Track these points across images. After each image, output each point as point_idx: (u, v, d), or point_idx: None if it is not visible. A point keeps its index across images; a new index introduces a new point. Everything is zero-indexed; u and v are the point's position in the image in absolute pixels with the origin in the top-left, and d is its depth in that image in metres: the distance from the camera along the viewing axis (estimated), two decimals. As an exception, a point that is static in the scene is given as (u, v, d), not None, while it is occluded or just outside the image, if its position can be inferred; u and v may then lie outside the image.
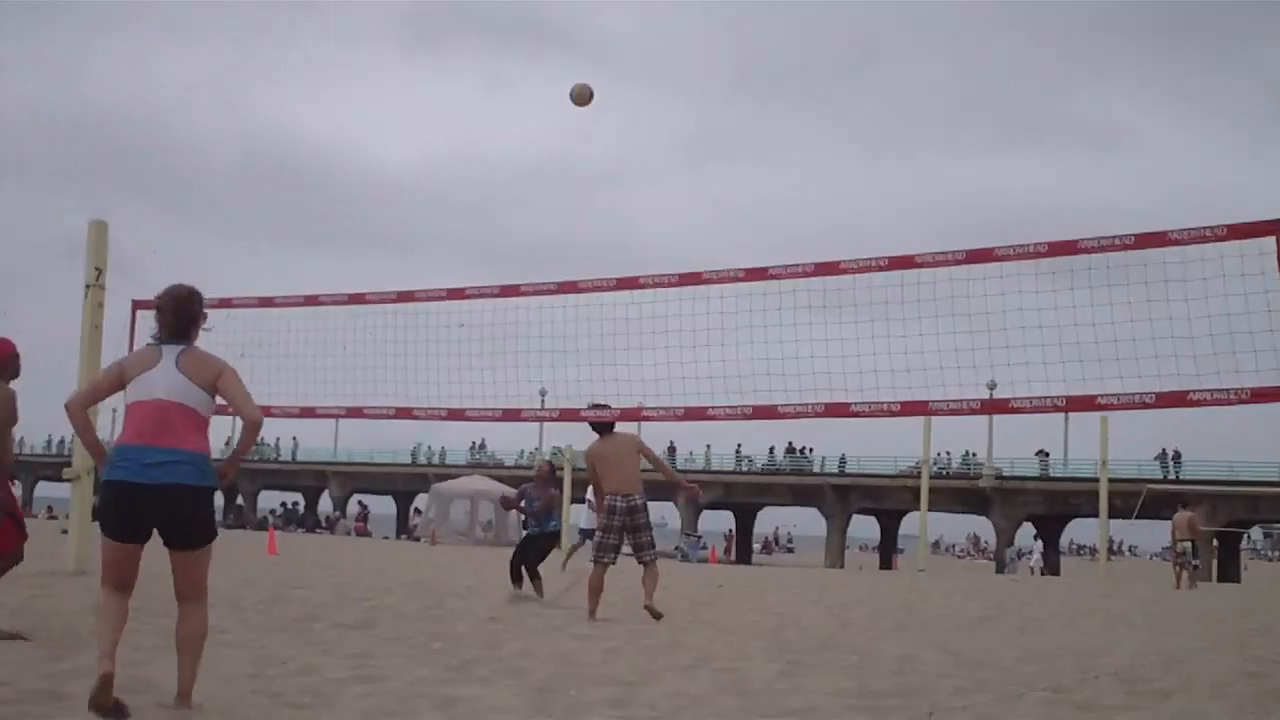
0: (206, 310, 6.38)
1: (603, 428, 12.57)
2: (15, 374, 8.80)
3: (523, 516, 15.86)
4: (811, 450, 67.74)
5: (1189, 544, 28.12)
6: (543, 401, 14.96)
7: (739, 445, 69.47)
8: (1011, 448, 64.39)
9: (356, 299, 14.37)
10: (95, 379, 6.44)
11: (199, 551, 6.13)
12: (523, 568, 15.22)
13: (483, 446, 74.15)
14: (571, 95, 12.50)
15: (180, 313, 6.16)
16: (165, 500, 5.85)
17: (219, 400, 6.13)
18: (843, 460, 66.50)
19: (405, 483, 76.39)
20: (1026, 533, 65.53)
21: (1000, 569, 54.03)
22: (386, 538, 56.23)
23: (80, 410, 6.32)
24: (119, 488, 5.87)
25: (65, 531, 14.78)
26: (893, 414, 11.97)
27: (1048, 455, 61.75)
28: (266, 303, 14.89)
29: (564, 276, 13.30)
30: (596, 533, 12.50)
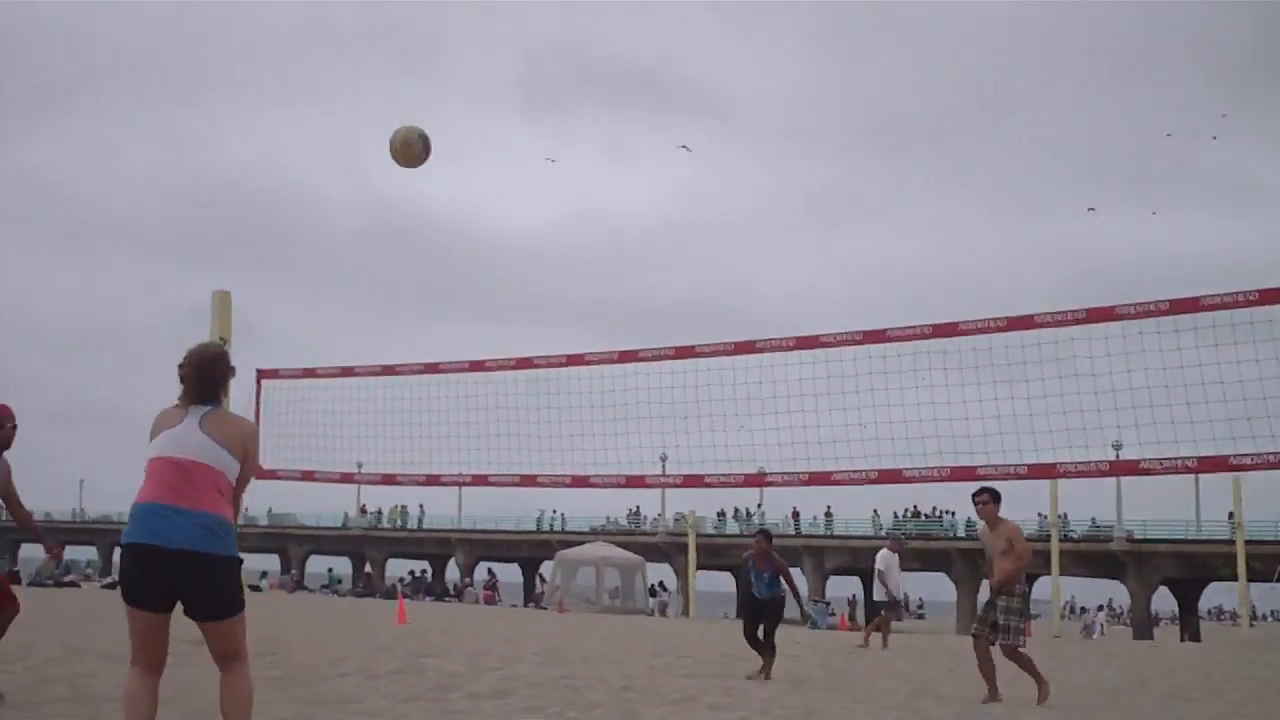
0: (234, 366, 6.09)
1: None
2: (7, 444, 8.89)
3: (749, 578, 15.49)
4: (954, 514, 67.04)
5: None
6: (664, 467, 15.00)
7: (875, 510, 69.04)
8: (1138, 511, 62.86)
9: (476, 366, 14.58)
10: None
11: (228, 622, 5.74)
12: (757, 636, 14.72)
13: (637, 512, 73.52)
14: (395, 147, 10.09)
15: (205, 375, 5.86)
16: (183, 569, 5.52)
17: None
18: (970, 523, 65.67)
19: (530, 549, 76.59)
20: (1163, 597, 64.15)
21: (1138, 635, 52.90)
22: (514, 605, 56.40)
23: None
24: (136, 550, 5.60)
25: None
26: (1020, 477, 11.90)
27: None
28: (389, 371, 15.16)
29: (688, 338, 13.37)
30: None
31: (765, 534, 15.62)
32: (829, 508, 70.03)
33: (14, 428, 8.88)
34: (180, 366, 5.87)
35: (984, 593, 12.04)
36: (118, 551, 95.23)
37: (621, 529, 71.59)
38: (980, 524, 12.09)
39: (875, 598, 22.95)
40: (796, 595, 15.23)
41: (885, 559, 22.25)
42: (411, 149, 10.03)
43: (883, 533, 68.07)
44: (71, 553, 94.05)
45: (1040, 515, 63.23)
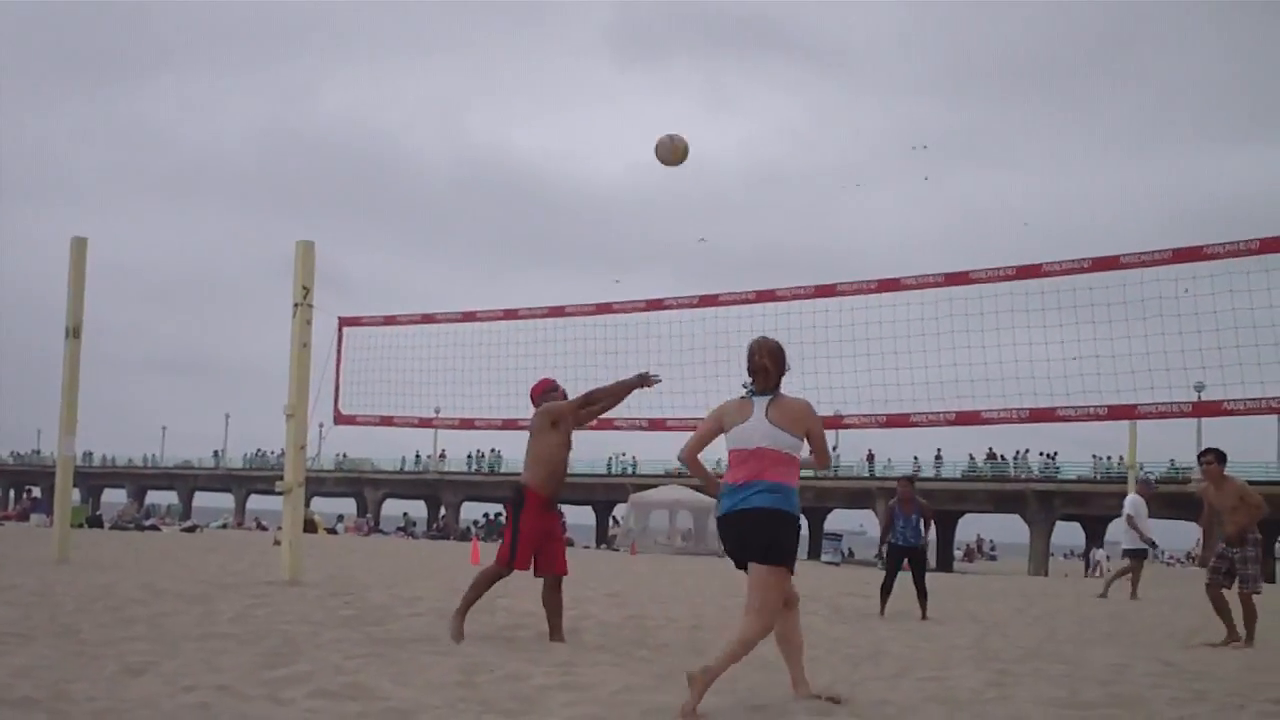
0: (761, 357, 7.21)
1: None
2: None
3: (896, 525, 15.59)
4: (1026, 452, 66.51)
5: None
6: (743, 410, 14.90)
7: (939, 450, 68.38)
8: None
9: (555, 312, 14.51)
10: (699, 430, 7.31)
11: (770, 568, 6.87)
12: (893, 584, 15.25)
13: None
14: (663, 152, 11.26)
15: (778, 365, 7.18)
16: (750, 522, 6.87)
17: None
18: (1050, 462, 65.25)
19: (605, 493, 76.98)
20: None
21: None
22: (587, 547, 56.69)
23: (690, 456, 7.28)
24: (721, 520, 7.05)
25: (278, 543, 15.16)
26: (1099, 418, 11.72)
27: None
28: (469, 317, 15.12)
29: (787, 284, 13.17)
30: None
31: (908, 479, 15.51)
32: (916, 456, 69.10)
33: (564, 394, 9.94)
34: (752, 358, 7.21)
35: (1218, 545, 12.53)
36: (197, 495, 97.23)
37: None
38: (1205, 483, 12.51)
39: (1124, 545, 22.18)
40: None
41: (1134, 504, 21.66)
42: (674, 153, 11.19)
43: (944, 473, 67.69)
44: (152, 497, 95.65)
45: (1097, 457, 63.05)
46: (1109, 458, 64.09)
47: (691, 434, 7.39)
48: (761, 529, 6.85)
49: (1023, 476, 65.70)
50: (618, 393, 9.95)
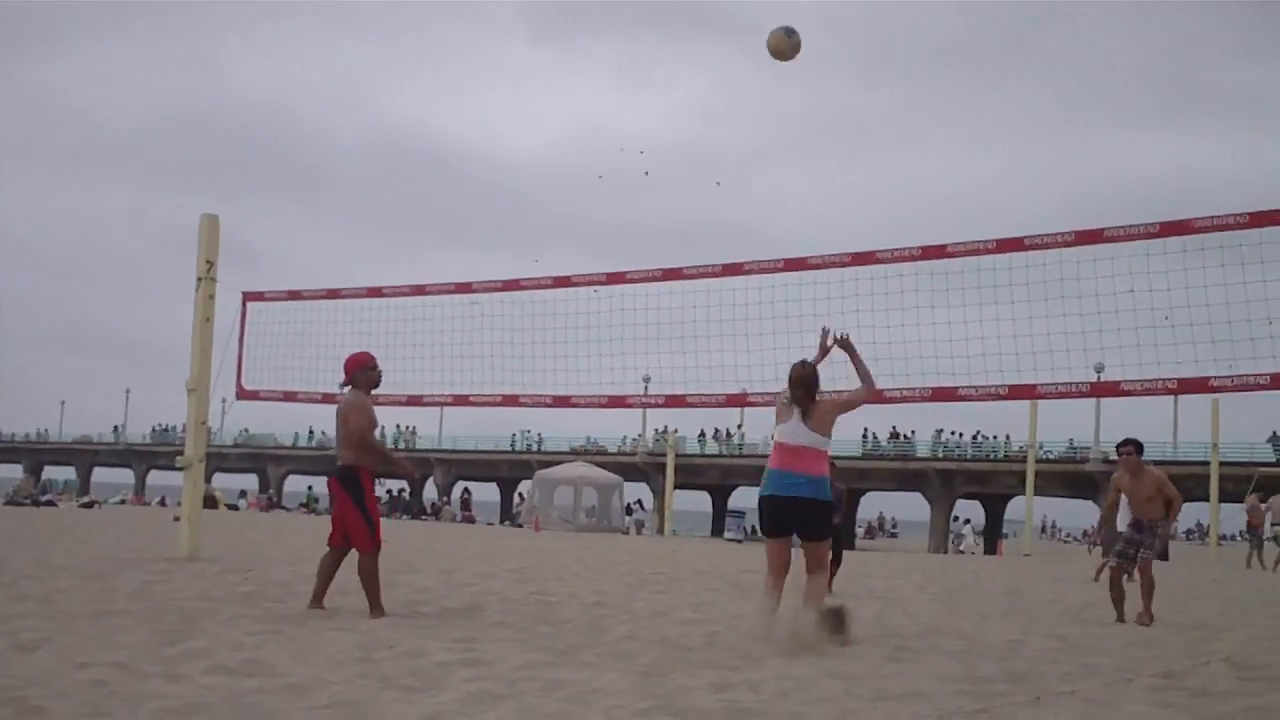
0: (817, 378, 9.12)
1: None
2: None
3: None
4: (957, 433, 67.06)
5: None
6: (646, 388, 14.91)
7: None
8: (1122, 431, 63.08)
9: (463, 288, 14.45)
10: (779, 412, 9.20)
11: (819, 542, 9.02)
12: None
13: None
14: (775, 45, 10.95)
15: (810, 389, 9.01)
16: (794, 507, 8.86)
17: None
18: (942, 441, 65.89)
19: (509, 469, 76.86)
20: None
21: (1107, 554, 53.29)
22: (490, 524, 56.58)
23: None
24: (767, 500, 8.93)
25: (178, 519, 15.00)
26: (1000, 398, 11.87)
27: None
28: (375, 293, 15.03)
29: (689, 262, 13.20)
30: None
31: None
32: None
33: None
34: (790, 384, 9.04)
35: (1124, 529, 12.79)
36: (96, 470, 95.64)
37: (600, 449, 71.76)
38: (1121, 472, 12.54)
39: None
40: None
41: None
42: (783, 47, 10.90)
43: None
44: (49, 472, 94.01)
45: (990, 437, 63.66)
46: (994, 437, 65.04)
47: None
48: (805, 514, 8.84)
49: (1001, 456, 65.86)
50: (386, 459, 10.23)
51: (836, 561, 14.92)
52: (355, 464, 9.52)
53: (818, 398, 9.02)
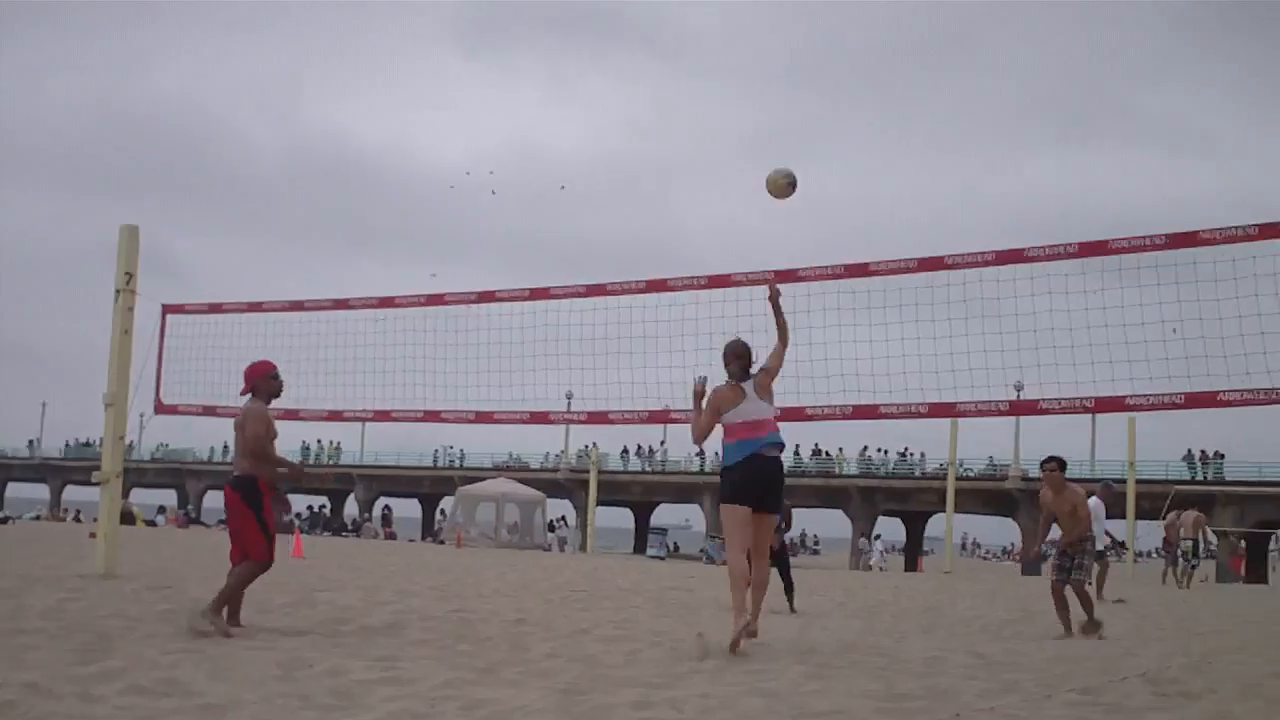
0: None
1: None
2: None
3: None
4: (842, 450, 67.45)
5: (1191, 543, 29.07)
6: (569, 404, 14.89)
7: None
8: (1041, 449, 63.61)
9: (386, 302, 14.38)
10: (704, 422, 9.37)
11: (771, 516, 9.35)
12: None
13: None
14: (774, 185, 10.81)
15: (745, 360, 9.35)
16: (774, 472, 9.34)
17: None
18: (868, 459, 66.28)
19: (431, 485, 76.45)
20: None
21: (1026, 571, 53.88)
22: (412, 540, 56.27)
23: (701, 440, 9.70)
24: (754, 459, 9.12)
25: (94, 535, 14.80)
26: (920, 415, 11.95)
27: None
28: (297, 306, 14.92)
29: (614, 277, 13.26)
30: None
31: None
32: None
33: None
34: (725, 358, 9.33)
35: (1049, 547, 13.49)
36: (11, 485, 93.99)
37: (523, 465, 71.57)
38: (1044, 488, 12.74)
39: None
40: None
41: (1096, 506, 21.74)
42: (780, 187, 10.72)
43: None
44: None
45: (902, 453, 64.22)
46: (912, 453, 65.62)
47: (696, 421, 9.40)
48: (776, 477, 9.28)
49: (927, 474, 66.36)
50: (283, 469, 10.14)
51: (788, 585, 15.09)
52: (253, 474, 9.42)
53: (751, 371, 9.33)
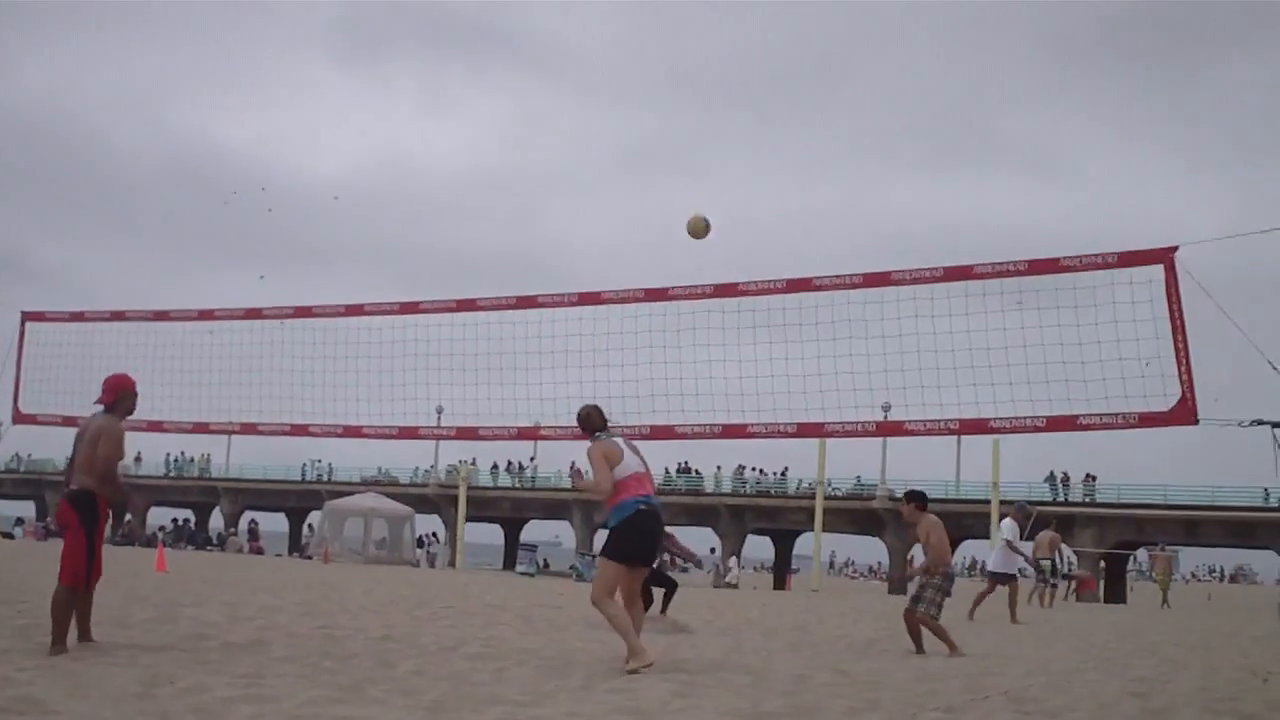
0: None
1: None
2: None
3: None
4: (770, 469, 67.81)
5: (1049, 562, 29.62)
6: (439, 419, 14.82)
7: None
8: (908, 469, 64.53)
9: (253, 314, 14.23)
10: (605, 472, 9.28)
11: (646, 569, 10.02)
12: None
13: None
14: (694, 228, 11.43)
15: (604, 418, 9.63)
16: (660, 527, 9.63)
17: None
18: (743, 478, 66.65)
19: (298, 499, 75.48)
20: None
21: (892, 590, 54.59)
22: (279, 555, 55.55)
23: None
24: (648, 514, 9.32)
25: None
26: (789, 435, 12.07)
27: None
28: (161, 316, 14.70)
29: (486, 291, 13.27)
30: None
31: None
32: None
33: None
34: (591, 422, 9.49)
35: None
36: None
37: (392, 480, 70.97)
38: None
39: (991, 568, 21.91)
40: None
41: (1010, 528, 21.59)
42: (699, 229, 11.32)
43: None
44: None
45: (782, 473, 64.71)
46: (772, 473, 66.17)
47: (598, 476, 9.30)
48: (661, 535, 9.66)
49: (714, 491, 66.91)
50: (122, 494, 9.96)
51: (666, 593, 15.33)
52: (95, 491, 9.12)
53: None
